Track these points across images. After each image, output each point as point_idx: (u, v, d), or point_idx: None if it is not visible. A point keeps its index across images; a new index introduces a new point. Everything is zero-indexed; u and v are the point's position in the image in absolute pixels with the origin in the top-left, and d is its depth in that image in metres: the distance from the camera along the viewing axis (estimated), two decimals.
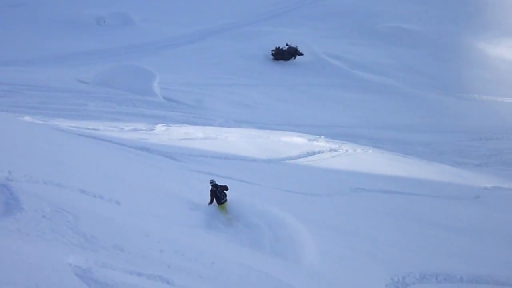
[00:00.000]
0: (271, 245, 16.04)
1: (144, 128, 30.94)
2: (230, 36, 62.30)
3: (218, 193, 18.01)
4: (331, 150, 30.06)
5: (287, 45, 56.15)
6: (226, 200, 18.04)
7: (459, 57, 61.07)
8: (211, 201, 18.07)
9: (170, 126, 32.54)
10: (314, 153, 29.09)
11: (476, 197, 26.32)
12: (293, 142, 30.75)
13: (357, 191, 24.36)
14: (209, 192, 17.97)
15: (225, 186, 18.27)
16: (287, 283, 13.97)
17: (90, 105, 38.15)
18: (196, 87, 46.95)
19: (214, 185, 18.07)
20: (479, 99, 54.28)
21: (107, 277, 10.65)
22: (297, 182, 24.49)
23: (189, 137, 29.56)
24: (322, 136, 33.30)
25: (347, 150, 30.45)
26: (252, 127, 37.18)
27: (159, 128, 31.54)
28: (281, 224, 16.57)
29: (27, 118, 29.02)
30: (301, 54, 55.99)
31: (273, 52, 55.90)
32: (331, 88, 52.00)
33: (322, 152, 29.47)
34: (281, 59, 55.74)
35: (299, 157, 28.35)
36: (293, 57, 55.83)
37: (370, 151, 31.51)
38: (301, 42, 57.40)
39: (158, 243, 13.29)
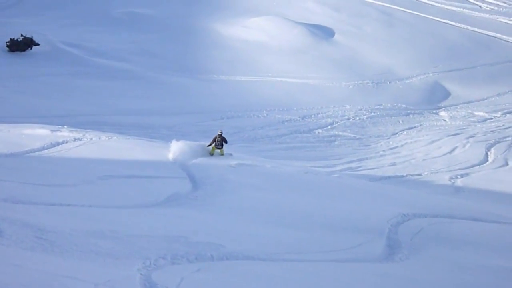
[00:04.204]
0: None
1: None
2: None
3: (217, 141, 29.52)
4: (75, 139, 29.66)
5: (22, 35, 54.48)
6: (221, 148, 29.73)
7: (195, 39, 62.13)
8: (210, 144, 29.78)
9: None
10: (58, 144, 28.60)
11: (222, 176, 26.94)
12: (36, 134, 30.01)
13: (105, 179, 24.22)
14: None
15: (226, 139, 29.91)
16: None
17: None
18: None
19: (220, 134, 29.70)
20: (218, 79, 55.62)
21: None
22: (42, 174, 23.97)
23: None
24: (66, 126, 32.77)
25: (91, 139, 30.17)
26: None
27: None
28: None
29: None
30: (38, 44, 54.51)
31: (8, 43, 54.06)
32: (71, 77, 51.24)
33: (66, 142, 29.03)
34: (17, 50, 54.05)
35: (43, 148, 27.75)
36: (29, 48, 54.26)
37: (115, 137, 31.40)
38: (36, 32, 55.87)
39: None
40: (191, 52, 59.39)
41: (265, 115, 49.83)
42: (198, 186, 24.86)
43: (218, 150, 29.88)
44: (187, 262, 16.34)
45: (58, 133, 30.58)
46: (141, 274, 15.01)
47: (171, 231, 18.85)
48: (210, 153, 29.95)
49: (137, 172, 25.66)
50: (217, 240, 18.21)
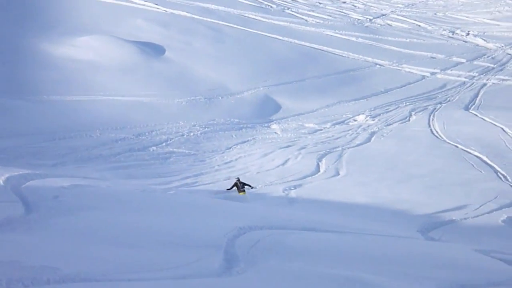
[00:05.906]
0: None
1: None
2: None
3: (240, 186, 37.49)
4: None
5: None
6: (244, 191, 37.49)
7: (23, 60, 60.76)
8: (231, 188, 37.52)
9: None
10: None
11: (55, 197, 26.42)
12: None
13: None
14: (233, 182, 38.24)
15: (248, 184, 37.95)
16: None
17: None
18: None
19: (238, 180, 38.04)
20: (49, 100, 54.60)
21: None
22: None
23: None
24: None
25: None
26: None
27: None
28: None
29: None
30: None
31: None
32: None
33: None
34: None
35: None
36: None
37: None
38: None
39: None
40: (19, 72, 58.05)
41: (98, 134, 49.33)
42: (31, 209, 24.24)
43: (243, 194, 37.61)
44: (22, 287, 15.92)
45: None
46: None
47: (4, 256, 18.32)
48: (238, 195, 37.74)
49: None
50: (53, 263, 17.83)
